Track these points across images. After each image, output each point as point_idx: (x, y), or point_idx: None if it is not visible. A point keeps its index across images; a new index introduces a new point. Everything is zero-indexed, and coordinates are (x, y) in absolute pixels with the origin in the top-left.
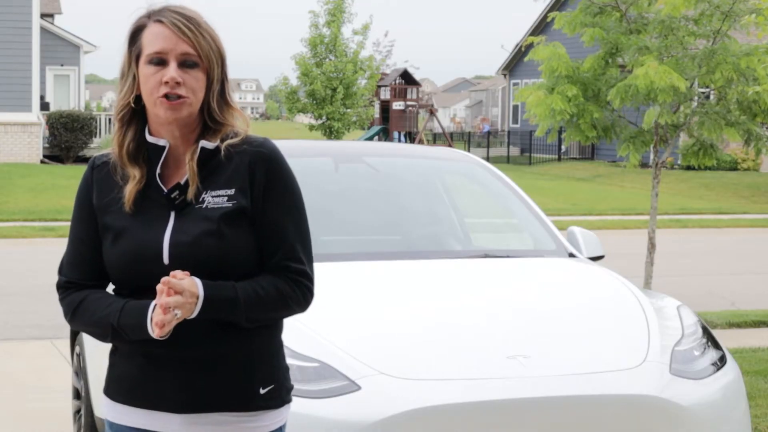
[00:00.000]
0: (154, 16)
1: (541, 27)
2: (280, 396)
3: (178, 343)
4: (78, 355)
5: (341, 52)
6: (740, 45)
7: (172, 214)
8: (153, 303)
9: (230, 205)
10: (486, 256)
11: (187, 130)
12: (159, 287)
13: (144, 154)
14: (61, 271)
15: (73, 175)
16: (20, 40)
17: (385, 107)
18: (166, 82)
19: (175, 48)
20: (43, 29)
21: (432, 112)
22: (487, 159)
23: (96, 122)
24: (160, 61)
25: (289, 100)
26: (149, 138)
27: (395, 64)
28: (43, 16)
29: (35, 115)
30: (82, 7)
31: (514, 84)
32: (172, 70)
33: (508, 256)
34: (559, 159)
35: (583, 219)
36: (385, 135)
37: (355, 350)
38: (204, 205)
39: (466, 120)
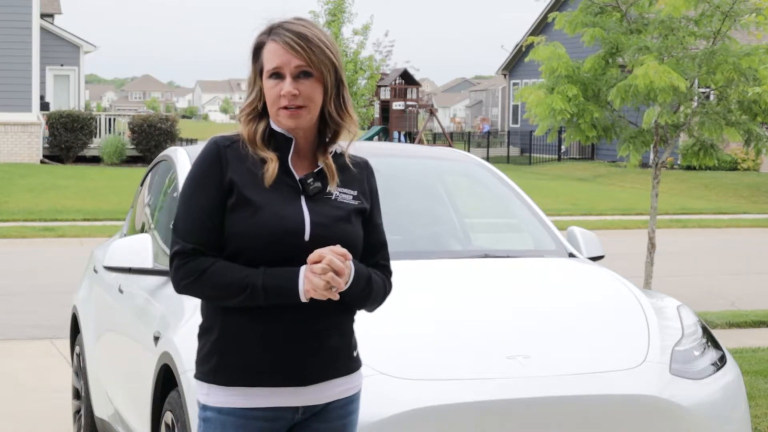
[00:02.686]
0: (271, 34)
1: (541, 27)
2: (360, 358)
3: (303, 319)
4: (78, 355)
5: (341, 52)
6: (741, 45)
7: (302, 198)
8: (302, 268)
9: (356, 203)
10: (486, 256)
11: (307, 131)
12: (318, 254)
13: (273, 142)
14: (182, 238)
15: (72, 175)
16: (20, 40)
17: (385, 107)
18: (284, 96)
19: (289, 63)
20: (42, 29)
21: (432, 112)
22: (487, 159)
23: (96, 122)
24: (277, 75)
25: None
26: (277, 128)
27: (395, 65)
28: (43, 16)
29: (35, 115)
30: (82, 7)
31: (514, 84)
32: (287, 85)
33: (508, 256)
34: (559, 159)
35: (583, 219)
36: (385, 135)
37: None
38: (333, 197)
39: (466, 120)
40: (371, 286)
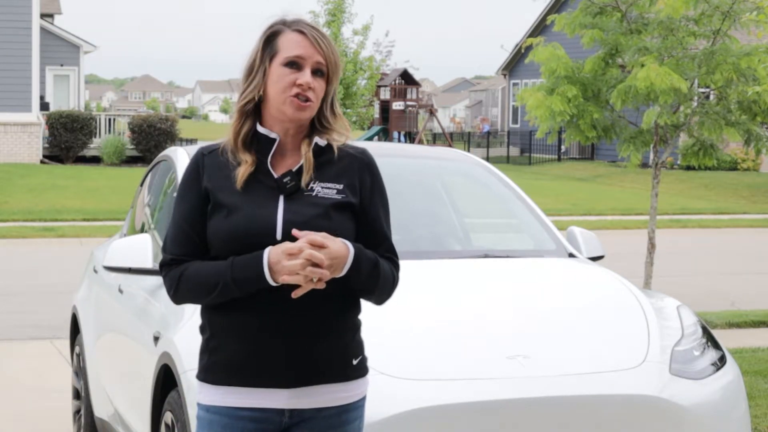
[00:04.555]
0: (292, 25)
1: (541, 27)
2: (365, 366)
3: (292, 319)
4: (78, 355)
5: (341, 52)
6: (740, 45)
7: (281, 197)
8: (266, 250)
9: (339, 197)
10: (486, 256)
11: (298, 130)
12: (298, 248)
13: (255, 144)
14: (165, 249)
15: (72, 175)
16: (20, 40)
17: (385, 107)
18: (300, 85)
19: (312, 57)
20: (42, 29)
21: (432, 112)
22: (487, 159)
23: (96, 122)
24: (297, 65)
25: None
26: (261, 129)
27: (395, 65)
28: (42, 16)
29: (35, 115)
30: (82, 7)
31: (514, 84)
32: (307, 75)
33: (508, 256)
34: (559, 159)
35: (583, 219)
36: (385, 135)
37: None
38: (313, 193)
39: (466, 120)
40: (378, 271)
